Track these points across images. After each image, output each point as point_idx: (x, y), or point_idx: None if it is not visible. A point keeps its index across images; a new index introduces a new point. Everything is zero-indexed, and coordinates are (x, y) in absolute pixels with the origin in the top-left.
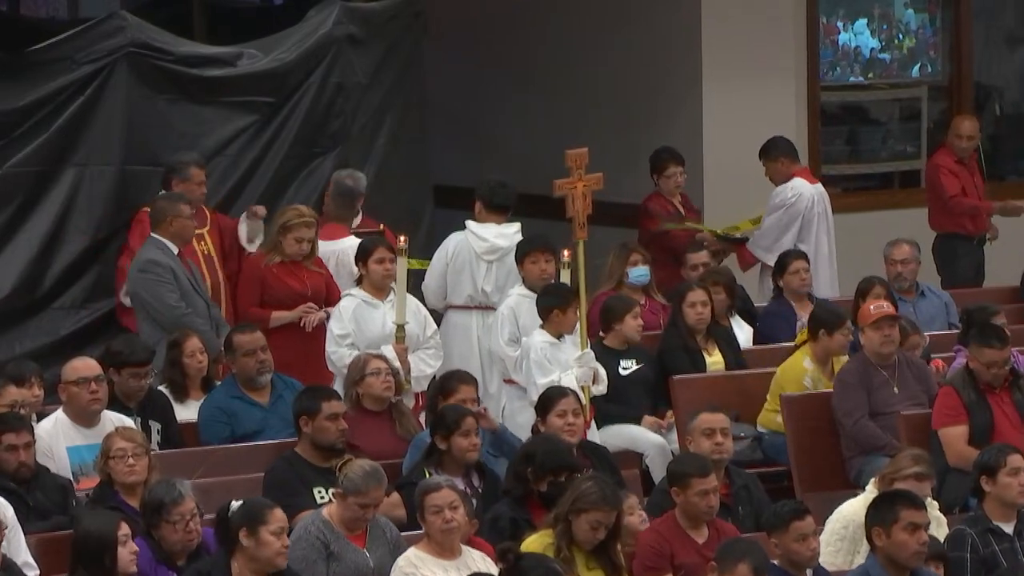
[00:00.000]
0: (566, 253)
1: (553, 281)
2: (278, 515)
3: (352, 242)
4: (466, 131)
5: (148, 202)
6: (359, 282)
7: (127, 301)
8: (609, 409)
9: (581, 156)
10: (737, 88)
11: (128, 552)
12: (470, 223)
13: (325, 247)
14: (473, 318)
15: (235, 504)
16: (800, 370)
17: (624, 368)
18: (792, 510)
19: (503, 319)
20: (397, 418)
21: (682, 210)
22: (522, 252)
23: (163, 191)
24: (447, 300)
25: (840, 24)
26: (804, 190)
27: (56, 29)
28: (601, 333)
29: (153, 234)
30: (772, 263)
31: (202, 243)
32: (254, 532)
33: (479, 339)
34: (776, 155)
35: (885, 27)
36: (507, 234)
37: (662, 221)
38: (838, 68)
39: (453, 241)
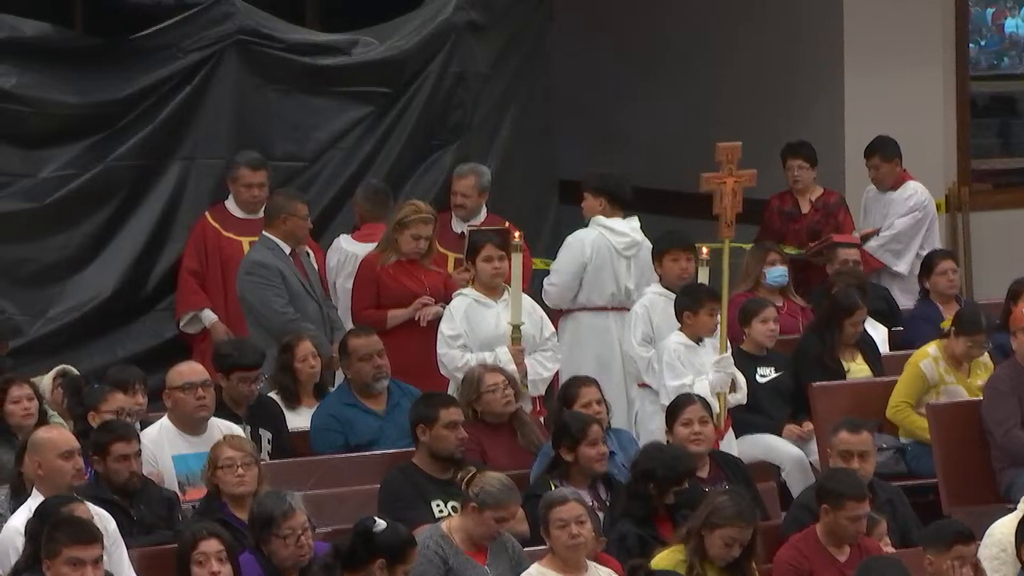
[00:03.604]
0: (705, 251)
1: (692, 281)
2: (416, 555)
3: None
4: (592, 122)
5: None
6: (472, 281)
7: (189, 328)
8: (746, 418)
9: (734, 150)
10: (881, 77)
11: (207, 573)
12: (601, 219)
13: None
14: (611, 319)
15: (380, 524)
16: (922, 354)
17: (761, 376)
18: (958, 532)
19: (636, 318)
20: (518, 428)
21: (803, 209)
22: (661, 249)
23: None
24: (581, 301)
25: (1008, 8)
26: (927, 193)
27: (161, 15)
28: (744, 336)
29: (265, 232)
30: (902, 269)
31: None
32: (392, 570)
33: (620, 341)
34: (892, 156)
35: None
36: (636, 228)
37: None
38: (1006, 58)
39: (588, 238)
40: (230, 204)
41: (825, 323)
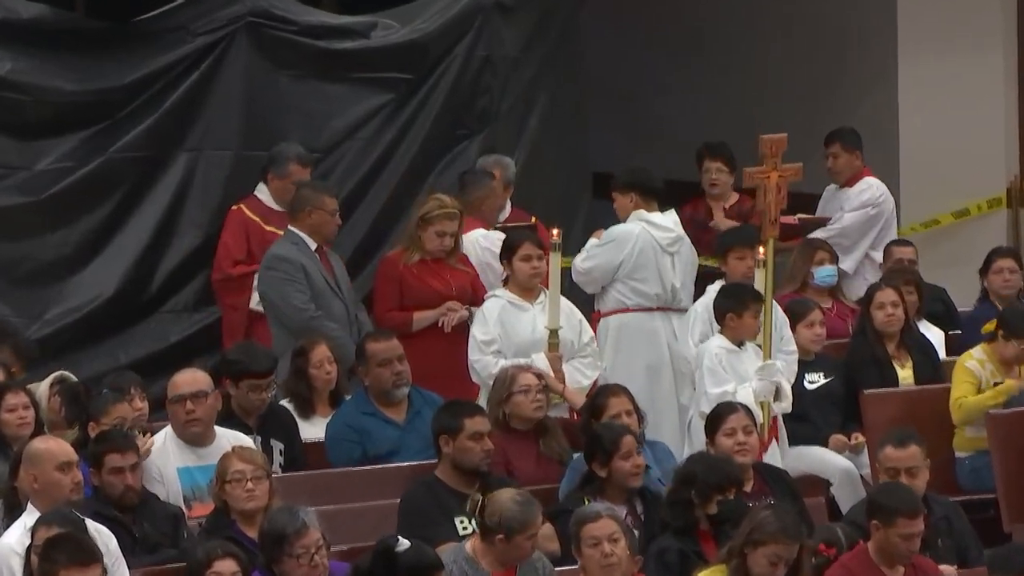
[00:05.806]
0: (761, 251)
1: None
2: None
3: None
4: (626, 111)
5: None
6: (505, 282)
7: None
8: (793, 428)
9: (779, 143)
10: (937, 62)
11: None
12: (643, 213)
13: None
14: (658, 320)
15: (403, 544)
16: (966, 356)
17: (810, 382)
18: None
19: (696, 317)
20: (541, 436)
21: (715, 217)
22: (727, 246)
23: (260, 183)
24: (625, 303)
25: None
26: (885, 190)
27: None
28: None
29: (290, 227)
30: (847, 267)
31: None
32: None
33: (669, 345)
34: (853, 147)
35: None
36: (677, 221)
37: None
38: None
39: (634, 232)
40: (265, 197)
41: (862, 319)
